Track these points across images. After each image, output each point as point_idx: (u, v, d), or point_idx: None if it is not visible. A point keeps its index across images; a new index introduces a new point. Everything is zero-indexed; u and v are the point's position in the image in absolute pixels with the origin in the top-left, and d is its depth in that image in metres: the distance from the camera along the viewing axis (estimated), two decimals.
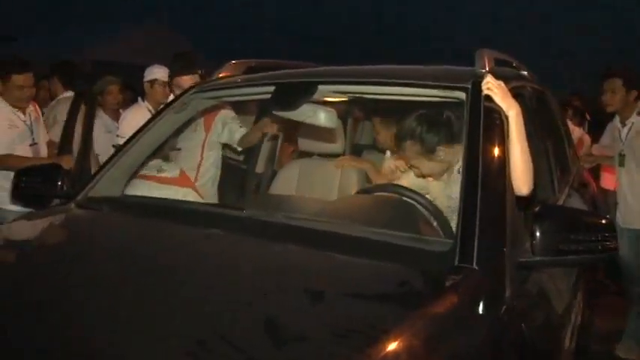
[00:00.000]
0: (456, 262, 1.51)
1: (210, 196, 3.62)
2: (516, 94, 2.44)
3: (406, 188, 2.16)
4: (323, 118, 2.33)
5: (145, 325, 1.24)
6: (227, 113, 3.66)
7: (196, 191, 3.44)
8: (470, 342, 1.28)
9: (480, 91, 1.96)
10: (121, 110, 4.99)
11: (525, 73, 3.27)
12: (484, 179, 1.69)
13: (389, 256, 1.55)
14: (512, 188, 1.80)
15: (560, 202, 2.54)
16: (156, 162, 3.21)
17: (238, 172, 3.94)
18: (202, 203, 2.39)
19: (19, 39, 23.86)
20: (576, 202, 2.87)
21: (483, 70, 2.17)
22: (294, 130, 3.57)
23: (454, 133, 2.30)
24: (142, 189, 2.86)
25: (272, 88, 2.40)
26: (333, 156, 3.39)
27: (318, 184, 3.26)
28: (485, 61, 2.22)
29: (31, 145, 3.83)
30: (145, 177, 3.09)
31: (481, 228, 1.57)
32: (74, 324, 1.27)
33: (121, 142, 3.04)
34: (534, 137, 2.60)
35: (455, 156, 2.30)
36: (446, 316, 1.31)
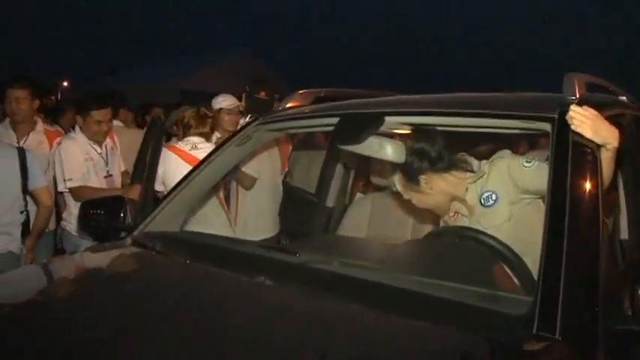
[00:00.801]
0: (535, 330, 1.25)
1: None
2: (613, 124, 2.15)
3: (482, 232, 1.90)
4: (390, 152, 2.12)
5: None
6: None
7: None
8: None
9: (567, 122, 1.70)
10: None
11: (624, 98, 2.93)
12: (572, 226, 1.42)
13: (454, 319, 1.31)
14: (607, 238, 1.51)
15: None
16: None
17: (309, 205, 3.78)
18: (257, 244, 2.23)
19: (119, 71, 25.31)
20: None
21: (572, 97, 1.89)
22: (366, 161, 3.38)
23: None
24: None
25: (336, 120, 2.22)
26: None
27: (391, 221, 3.04)
28: (576, 86, 1.95)
29: (105, 177, 3.87)
30: None
31: (567, 286, 1.30)
32: None
33: None
34: (634, 173, 2.29)
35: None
36: None
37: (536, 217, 1.95)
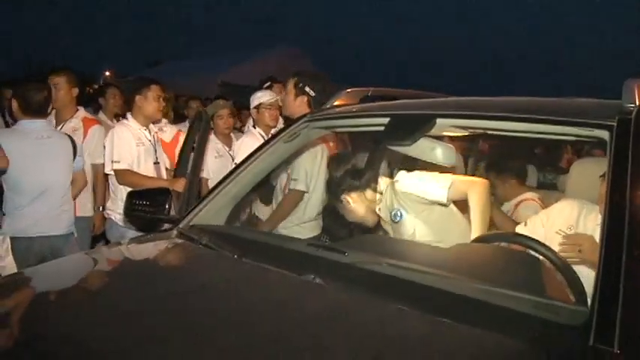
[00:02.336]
0: (591, 342, 1.23)
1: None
2: None
3: (531, 238, 1.87)
4: (441, 154, 2.11)
5: None
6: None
7: None
8: None
9: (627, 129, 1.66)
10: (232, 134, 5.06)
11: None
12: (631, 237, 1.39)
13: (504, 327, 1.30)
14: None
15: None
16: None
17: None
18: (303, 242, 2.24)
19: (164, 63, 25.62)
20: None
21: (632, 105, 1.84)
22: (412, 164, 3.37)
23: None
24: None
25: (386, 120, 2.21)
26: None
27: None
28: (636, 93, 1.89)
29: (154, 164, 3.95)
30: None
31: (627, 295, 1.27)
32: None
33: None
34: None
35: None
36: None
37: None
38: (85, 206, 4.14)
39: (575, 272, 1.72)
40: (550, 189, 4.07)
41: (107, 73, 28.15)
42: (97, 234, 4.28)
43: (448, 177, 2.51)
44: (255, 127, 4.25)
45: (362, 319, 1.40)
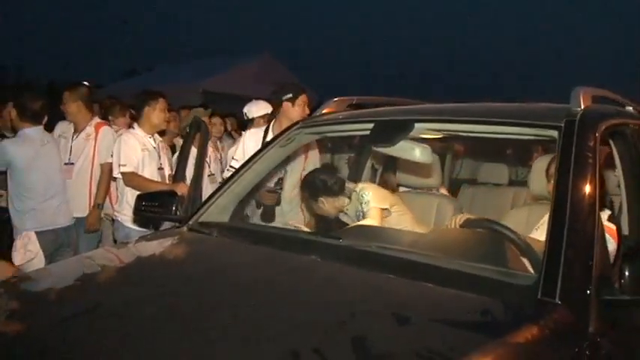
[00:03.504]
0: (539, 296, 1.57)
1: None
2: (614, 132, 2.46)
3: (499, 224, 2.21)
4: (419, 154, 2.44)
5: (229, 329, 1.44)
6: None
7: None
8: None
9: (571, 129, 2.01)
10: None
11: (631, 109, 3.22)
12: (572, 216, 1.73)
13: (474, 288, 1.63)
14: (602, 227, 1.82)
15: None
16: None
17: None
18: (303, 231, 2.57)
19: (143, 73, 25.72)
20: None
21: (578, 109, 2.19)
22: (393, 164, 3.72)
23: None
24: None
25: (371, 125, 2.55)
26: (429, 189, 3.50)
27: (416, 216, 3.37)
28: (581, 99, 2.24)
29: (159, 169, 4.26)
30: None
31: (566, 263, 1.62)
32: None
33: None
34: (635, 176, 2.57)
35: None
36: (523, 348, 1.37)
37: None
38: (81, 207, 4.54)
39: (532, 248, 2.06)
40: (522, 185, 4.46)
41: (85, 83, 28.14)
42: (90, 231, 4.59)
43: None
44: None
45: (356, 281, 1.76)
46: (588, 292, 1.59)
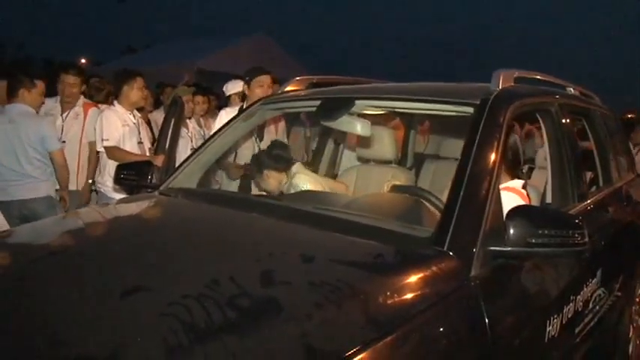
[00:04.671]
0: (432, 245, 1.89)
1: None
2: (532, 110, 2.77)
3: (419, 188, 2.53)
4: (359, 127, 2.75)
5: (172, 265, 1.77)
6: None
7: None
8: (421, 307, 1.62)
9: (484, 106, 2.32)
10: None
11: (571, 89, 3.54)
12: (469, 181, 2.04)
13: (377, 237, 1.95)
14: (498, 191, 2.13)
15: (573, 210, 2.75)
16: None
17: None
18: (251, 195, 2.90)
19: (140, 50, 25.86)
20: (599, 213, 3.10)
21: (496, 88, 2.50)
22: (354, 139, 4.04)
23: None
24: None
25: (318, 102, 2.86)
26: (385, 162, 3.82)
27: (372, 186, 3.69)
28: (500, 80, 2.55)
29: (138, 143, 4.57)
30: None
31: (457, 219, 1.93)
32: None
33: None
34: (558, 150, 2.89)
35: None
36: (404, 283, 1.69)
37: None
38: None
39: (440, 209, 2.37)
40: None
41: (83, 61, 28.38)
42: (84, 202, 4.91)
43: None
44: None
45: (281, 231, 2.10)
46: (475, 242, 1.90)
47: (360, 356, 1.36)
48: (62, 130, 4.93)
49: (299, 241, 1.98)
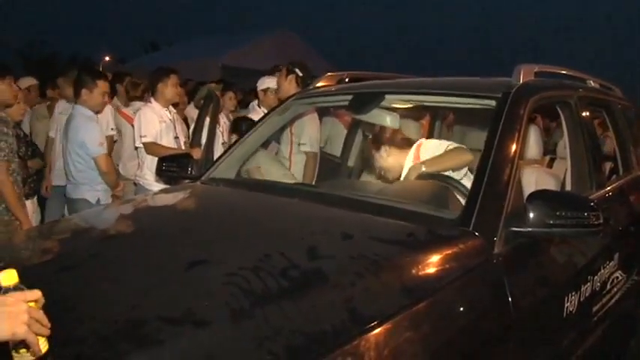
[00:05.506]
0: (458, 226, 2.08)
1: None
2: (552, 103, 2.94)
3: (451, 178, 2.73)
4: (388, 120, 2.95)
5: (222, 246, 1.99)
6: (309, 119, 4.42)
7: None
8: (449, 279, 1.81)
9: (506, 100, 2.50)
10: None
11: (591, 82, 3.68)
12: (492, 167, 2.23)
13: (409, 219, 2.16)
14: (518, 178, 2.31)
15: (591, 197, 2.91)
16: None
17: (335, 165, 4.64)
18: (290, 182, 3.12)
19: (163, 48, 26.22)
20: (617, 200, 3.26)
21: (517, 82, 2.67)
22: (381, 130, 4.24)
23: None
24: None
25: (350, 97, 3.06)
26: None
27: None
28: (521, 74, 2.72)
29: (175, 138, 4.81)
30: None
31: (482, 202, 2.13)
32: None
33: None
34: (576, 140, 3.05)
35: None
36: (432, 258, 1.89)
37: None
38: None
39: (464, 195, 2.56)
40: None
41: (107, 59, 28.90)
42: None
43: None
44: (259, 107, 5.13)
45: (321, 214, 2.31)
46: (498, 223, 2.09)
47: (396, 319, 1.57)
48: None
49: (338, 222, 2.20)
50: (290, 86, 4.43)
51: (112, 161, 4.72)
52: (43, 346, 1.24)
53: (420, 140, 3.25)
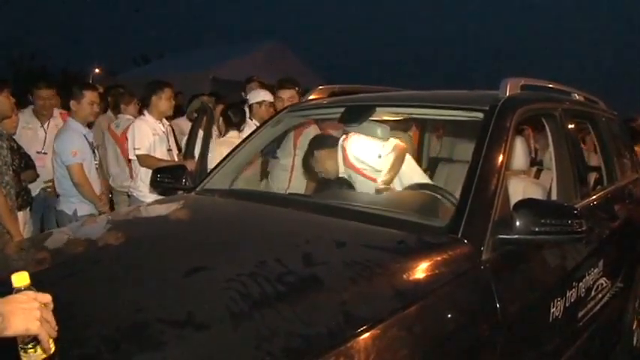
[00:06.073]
0: (447, 233, 2.16)
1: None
2: (537, 115, 3.03)
3: (435, 186, 2.81)
4: (379, 132, 3.03)
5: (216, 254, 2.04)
6: (312, 130, 4.47)
7: None
8: (439, 284, 1.89)
9: (493, 112, 2.59)
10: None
11: (576, 95, 3.79)
12: (479, 177, 2.32)
13: (399, 227, 2.23)
14: (505, 187, 2.39)
15: (577, 205, 3.00)
16: None
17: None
18: (282, 193, 3.20)
19: (153, 60, 26.29)
20: (602, 209, 3.35)
21: (503, 95, 2.76)
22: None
23: None
24: None
25: (342, 109, 3.14)
26: None
27: None
28: (507, 87, 2.81)
29: (168, 150, 4.87)
30: None
31: (470, 211, 2.21)
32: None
33: None
34: (561, 151, 3.14)
35: None
36: (422, 263, 1.96)
37: None
38: None
39: (453, 204, 2.64)
40: None
41: (97, 71, 28.92)
42: None
43: None
44: (251, 119, 5.21)
45: (314, 222, 2.38)
46: (486, 231, 2.17)
47: (387, 322, 1.64)
48: (44, 141, 5.29)
49: (331, 230, 2.27)
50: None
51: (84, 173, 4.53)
52: (52, 347, 1.30)
53: (344, 136, 3.46)
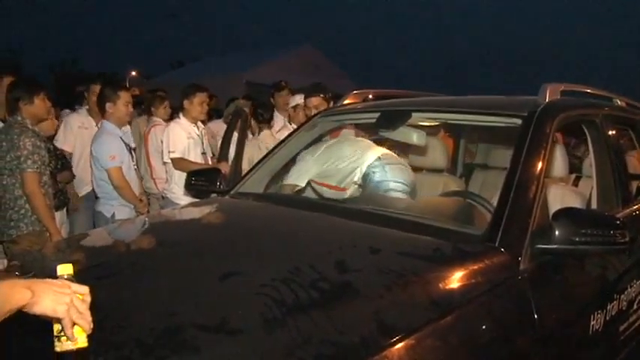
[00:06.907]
0: (484, 242, 2.11)
1: None
2: (577, 121, 2.96)
3: (472, 193, 2.76)
4: (415, 137, 3.00)
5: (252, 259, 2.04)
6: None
7: None
8: (475, 294, 1.84)
9: (532, 118, 2.53)
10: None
11: (617, 101, 3.69)
12: (518, 185, 2.27)
13: (435, 235, 2.19)
14: (544, 194, 2.34)
15: (619, 214, 2.92)
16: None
17: None
18: (317, 198, 3.19)
19: (187, 64, 26.62)
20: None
21: (543, 101, 2.71)
22: (407, 149, 4.29)
23: None
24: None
25: (377, 114, 3.12)
26: (437, 171, 4.04)
27: (425, 193, 3.92)
28: (547, 93, 2.75)
29: (202, 154, 4.91)
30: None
31: (507, 220, 2.16)
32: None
33: None
34: (602, 158, 3.06)
35: None
36: (458, 272, 1.92)
37: None
38: None
39: (489, 211, 2.59)
40: None
41: (133, 74, 29.47)
42: None
43: None
44: (290, 123, 5.23)
45: (348, 228, 2.36)
46: (524, 240, 2.12)
47: (422, 332, 1.61)
48: None
49: (365, 236, 2.24)
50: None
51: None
52: (82, 341, 1.32)
53: None
